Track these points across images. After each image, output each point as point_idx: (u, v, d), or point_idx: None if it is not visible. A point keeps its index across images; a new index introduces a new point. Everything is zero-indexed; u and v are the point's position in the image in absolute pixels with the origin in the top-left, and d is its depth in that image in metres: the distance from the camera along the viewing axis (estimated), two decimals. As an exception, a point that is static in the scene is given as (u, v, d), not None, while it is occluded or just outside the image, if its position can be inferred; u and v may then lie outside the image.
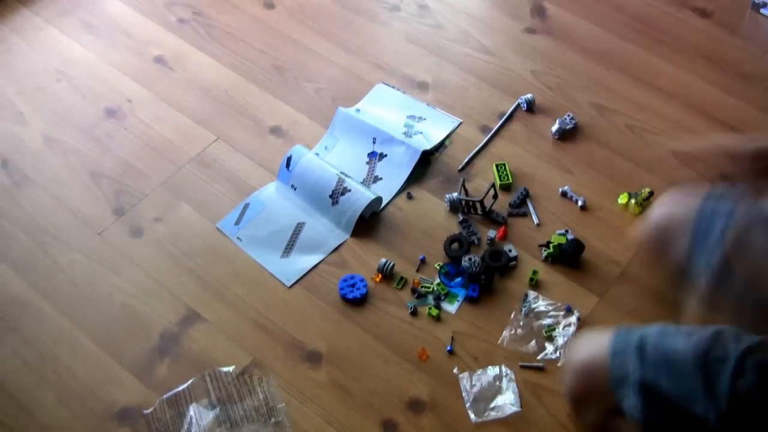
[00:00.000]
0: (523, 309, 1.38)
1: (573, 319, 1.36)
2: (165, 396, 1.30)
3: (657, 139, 1.65)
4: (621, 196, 1.53)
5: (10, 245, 1.51)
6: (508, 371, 1.30)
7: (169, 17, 1.94)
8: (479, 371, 1.31)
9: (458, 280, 1.41)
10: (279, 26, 1.91)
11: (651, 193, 1.51)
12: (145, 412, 1.28)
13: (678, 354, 0.96)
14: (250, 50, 1.85)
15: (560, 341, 1.33)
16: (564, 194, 1.55)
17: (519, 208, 1.53)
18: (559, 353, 1.32)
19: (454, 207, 1.51)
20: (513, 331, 1.35)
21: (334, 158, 1.62)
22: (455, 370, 1.31)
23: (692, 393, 0.94)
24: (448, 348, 1.34)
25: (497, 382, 1.29)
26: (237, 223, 1.53)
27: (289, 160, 1.58)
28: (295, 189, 1.56)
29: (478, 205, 1.50)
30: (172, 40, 1.88)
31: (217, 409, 1.28)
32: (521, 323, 1.36)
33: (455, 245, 1.45)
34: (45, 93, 1.77)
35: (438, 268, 1.43)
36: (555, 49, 1.83)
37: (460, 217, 1.50)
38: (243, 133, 1.69)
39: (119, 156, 1.65)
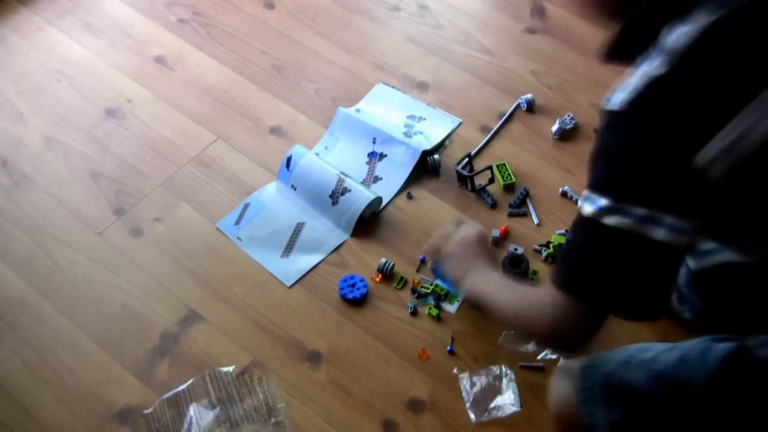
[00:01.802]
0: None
1: None
2: (165, 396, 1.30)
3: (657, 139, 1.64)
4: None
5: (10, 245, 1.51)
6: (508, 371, 1.30)
7: (169, 17, 1.94)
8: (479, 371, 1.30)
9: None
10: (279, 26, 1.91)
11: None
12: (145, 412, 1.28)
13: (642, 390, 0.95)
14: (250, 50, 1.85)
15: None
16: (564, 194, 1.55)
17: (519, 208, 1.53)
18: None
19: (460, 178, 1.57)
20: (512, 332, 1.35)
21: (334, 158, 1.62)
22: (455, 370, 1.31)
23: (664, 419, 0.94)
24: (448, 348, 1.34)
25: (497, 383, 1.29)
26: (237, 223, 1.53)
27: (289, 160, 1.58)
28: (295, 189, 1.56)
29: (468, 181, 1.53)
30: (172, 40, 1.88)
31: (217, 409, 1.28)
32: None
33: None
34: (45, 93, 1.77)
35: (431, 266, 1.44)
36: (555, 49, 1.83)
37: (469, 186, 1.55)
38: (243, 133, 1.69)
39: (119, 156, 1.65)
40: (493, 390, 1.28)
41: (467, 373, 1.30)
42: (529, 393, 1.28)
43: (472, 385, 1.29)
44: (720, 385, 0.90)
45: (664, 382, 0.94)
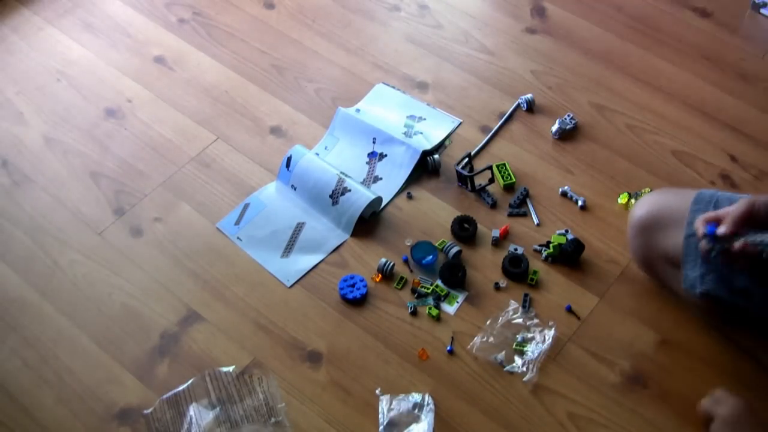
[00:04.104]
0: (501, 318, 1.36)
1: (550, 334, 1.34)
2: (165, 396, 1.30)
3: (657, 139, 1.65)
4: (621, 196, 1.53)
5: (10, 245, 1.51)
6: (430, 401, 1.28)
7: (169, 17, 1.94)
8: (400, 396, 1.28)
9: (430, 258, 1.43)
10: (279, 26, 1.91)
11: (651, 193, 1.51)
12: (145, 412, 1.29)
13: None
14: (250, 50, 1.85)
15: (529, 356, 1.32)
16: (564, 194, 1.55)
17: (519, 208, 1.53)
18: (526, 368, 1.31)
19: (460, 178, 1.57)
20: (485, 338, 1.34)
21: (334, 158, 1.62)
22: (377, 392, 1.30)
23: None
24: (448, 348, 1.34)
25: (416, 411, 1.26)
26: (237, 223, 1.53)
27: (289, 160, 1.58)
28: (295, 189, 1.56)
29: (468, 180, 1.53)
30: (172, 40, 1.88)
31: (217, 409, 1.28)
32: (495, 332, 1.34)
33: (465, 225, 1.48)
34: (45, 93, 1.77)
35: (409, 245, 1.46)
36: (555, 49, 1.83)
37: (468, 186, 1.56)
38: (243, 133, 1.69)
39: (119, 156, 1.65)
40: (410, 417, 1.26)
41: (388, 395, 1.28)
42: (530, 393, 1.28)
43: (390, 408, 1.27)
44: None
45: None
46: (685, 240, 1.20)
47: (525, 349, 1.32)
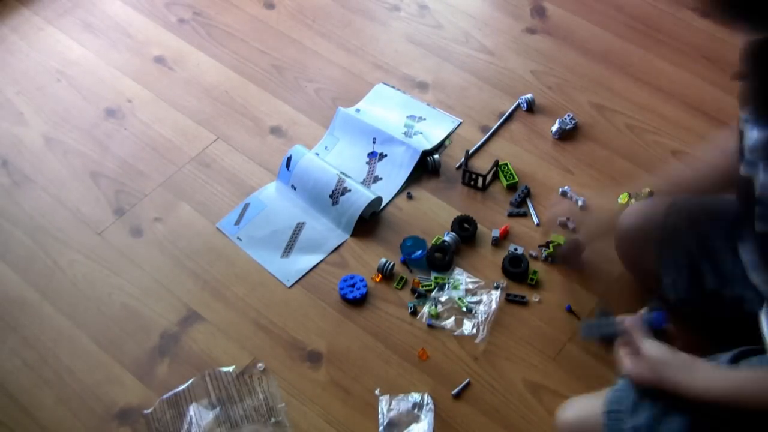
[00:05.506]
0: (447, 285, 1.40)
1: (495, 295, 1.37)
2: (165, 396, 1.30)
3: (657, 139, 1.65)
4: (621, 196, 1.53)
5: (10, 245, 1.51)
6: (429, 400, 1.28)
7: (169, 17, 1.94)
8: (399, 396, 1.29)
9: (419, 252, 1.44)
10: (279, 26, 1.91)
11: (651, 193, 1.51)
12: (145, 412, 1.29)
13: None
14: (250, 50, 1.85)
15: (480, 318, 1.34)
16: (564, 194, 1.55)
17: (519, 207, 1.53)
18: (477, 330, 1.34)
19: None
20: (433, 306, 1.37)
21: (334, 158, 1.62)
22: (377, 392, 1.31)
23: None
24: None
25: (416, 410, 1.27)
26: (237, 223, 1.53)
27: (289, 160, 1.58)
28: (295, 189, 1.56)
29: (480, 179, 1.54)
30: (172, 40, 1.88)
31: (217, 409, 1.28)
32: (442, 300, 1.37)
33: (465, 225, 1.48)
34: (45, 93, 1.77)
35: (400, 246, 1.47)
36: (555, 49, 1.83)
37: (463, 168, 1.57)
38: (243, 133, 1.69)
39: (119, 156, 1.65)
40: (410, 417, 1.26)
41: (387, 395, 1.29)
42: (530, 393, 1.28)
43: (390, 408, 1.27)
44: None
45: None
46: (655, 244, 1.20)
47: (466, 307, 1.37)
